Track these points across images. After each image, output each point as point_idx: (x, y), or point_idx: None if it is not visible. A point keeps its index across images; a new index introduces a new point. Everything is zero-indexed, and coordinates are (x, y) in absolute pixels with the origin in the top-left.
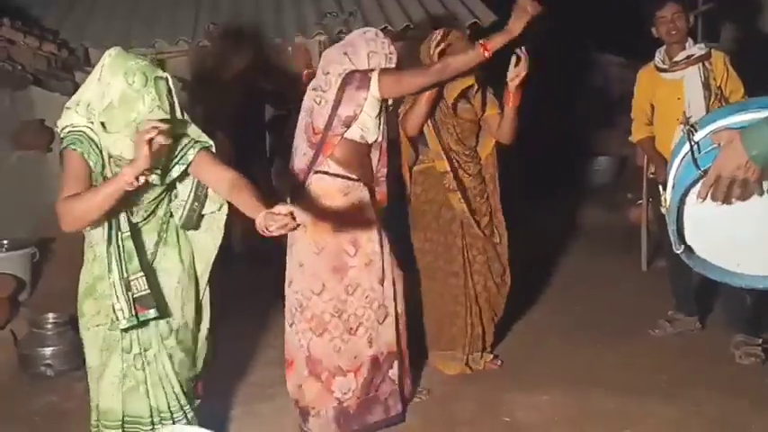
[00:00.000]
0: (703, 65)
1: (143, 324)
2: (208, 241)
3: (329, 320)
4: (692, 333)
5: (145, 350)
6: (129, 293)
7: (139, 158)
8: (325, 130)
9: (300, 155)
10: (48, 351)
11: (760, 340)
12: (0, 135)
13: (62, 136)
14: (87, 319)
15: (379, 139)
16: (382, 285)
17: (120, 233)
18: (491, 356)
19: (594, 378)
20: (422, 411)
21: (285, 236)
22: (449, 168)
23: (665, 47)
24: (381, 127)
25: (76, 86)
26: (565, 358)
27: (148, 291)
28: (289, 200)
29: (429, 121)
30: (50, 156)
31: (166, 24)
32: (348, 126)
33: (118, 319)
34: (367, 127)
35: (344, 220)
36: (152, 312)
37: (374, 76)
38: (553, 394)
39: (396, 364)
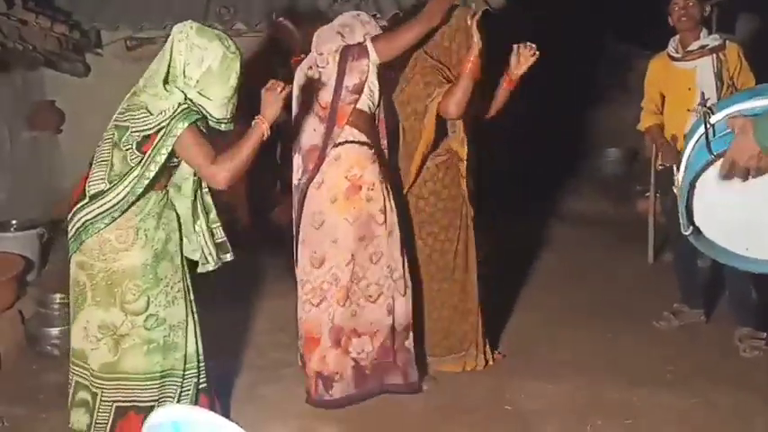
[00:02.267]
0: (717, 56)
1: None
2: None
3: (351, 287)
4: (697, 326)
5: (192, 294)
6: (213, 239)
7: (273, 110)
8: (334, 102)
9: (310, 131)
10: (54, 331)
11: (765, 334)
12: (12, 115)
13: (173, 115)
14: (168, 280)
15: (379, 109)
16: (402, 257)
17: (201, 189)
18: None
19: (599, 368)
20: (425, 399)
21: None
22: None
23: (678, 36)
24: (380, 95)
25: (87, 68)
26: (570, 348)
27: (225, 237)
28: (301, 184)
29: None
30: (61, 137)
31: (178, 7)
32: (359, 93)
33: (208, 262)
34: (373, 95)
35: (376, 187)
36: (229, 256)
37: (368, 44)
38: (558, 383)
39: (411, 335)
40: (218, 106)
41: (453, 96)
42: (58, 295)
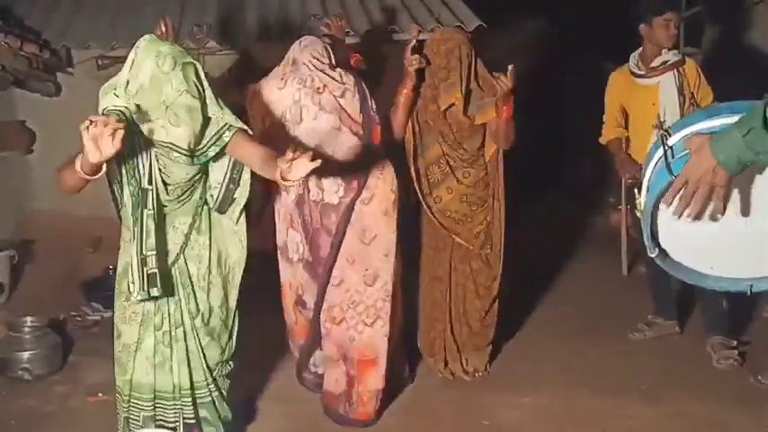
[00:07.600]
0: (678, 71)
1: (156, 299)
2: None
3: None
4: (671, 337)
5: (176, 328)
6: (145, 269)
7: (88, 151)
8: (365, 119)
9: (345, 148)
10: (25, 355)
11: (736, 343)
12: None
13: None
14: (126, 297)
15: None
16: None
17: (144, 210)
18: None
19: (576, 380)
20: (403, 413)
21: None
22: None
23: (638, 52)
24: None
25: (58, 88)
26: (546, 360)
27: (156, 270)
28: (344, 203)
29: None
30: (32, 158)
31: (150, 26)
32: (378, 116)
33: (130, 292)
34: None
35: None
36: (155, 291)
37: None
38: (534, 396)
39: None
40: (145, 122)
41: (502, 139)
42: (28, 318)
